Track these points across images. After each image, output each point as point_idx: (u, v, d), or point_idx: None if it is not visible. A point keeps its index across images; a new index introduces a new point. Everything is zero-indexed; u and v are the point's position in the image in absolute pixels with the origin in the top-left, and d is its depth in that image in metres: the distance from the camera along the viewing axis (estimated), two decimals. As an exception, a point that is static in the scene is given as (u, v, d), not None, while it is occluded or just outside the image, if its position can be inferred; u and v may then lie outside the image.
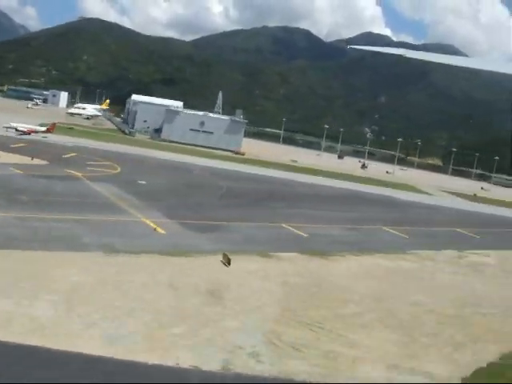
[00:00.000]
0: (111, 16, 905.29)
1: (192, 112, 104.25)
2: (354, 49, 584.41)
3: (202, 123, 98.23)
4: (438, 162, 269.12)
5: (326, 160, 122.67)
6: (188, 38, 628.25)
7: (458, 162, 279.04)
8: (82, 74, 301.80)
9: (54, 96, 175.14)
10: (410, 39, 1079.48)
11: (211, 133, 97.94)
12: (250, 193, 54.95)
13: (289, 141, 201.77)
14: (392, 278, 29.10)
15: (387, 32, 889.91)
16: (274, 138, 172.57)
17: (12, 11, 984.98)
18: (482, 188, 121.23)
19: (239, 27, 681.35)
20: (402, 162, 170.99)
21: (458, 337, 20.34)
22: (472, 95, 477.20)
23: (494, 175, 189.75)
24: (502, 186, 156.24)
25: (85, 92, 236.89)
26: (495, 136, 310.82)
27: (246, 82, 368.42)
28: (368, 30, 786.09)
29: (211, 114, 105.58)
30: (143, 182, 48.09)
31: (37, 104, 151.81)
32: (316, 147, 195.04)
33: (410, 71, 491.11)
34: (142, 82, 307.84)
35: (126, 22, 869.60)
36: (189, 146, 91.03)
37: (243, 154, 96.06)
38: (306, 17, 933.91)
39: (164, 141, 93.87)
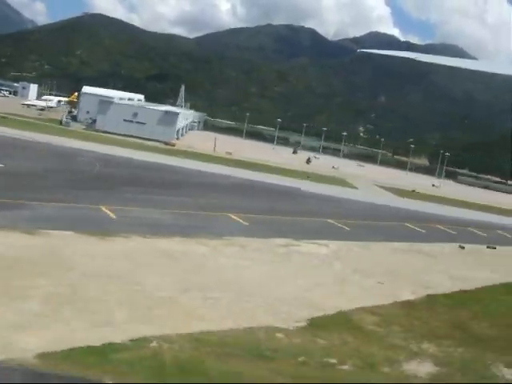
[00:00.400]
0: (120, 13, 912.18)
1: (125, 103, 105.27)
2: (359, 45, 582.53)
3: (136, 114, 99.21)
4: (425, 161, 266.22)
5: (276, 155, 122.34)
6: (194, 35, 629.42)
7: (447, 162, 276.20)
8: (75, 68, 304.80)
9: (23, 88, 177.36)
10: (416, 39, 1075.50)
11: (144, 124, 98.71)
12: (118, 178, 55.03)
13: (270, 138, 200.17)
14: (158, 260, 27.88)
15: (395, 32, 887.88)
16: (258, 136, 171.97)
17: (22, 6, 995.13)
18: (433, 185, 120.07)
19: (246, 25, 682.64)
20: (371, 159, 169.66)
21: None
22: (473, 96, 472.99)
23: (462, 173, 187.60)
24: (467, 184, 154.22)
25: (73, 86, 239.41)
26: (490, 136, 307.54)
27: (243, 79, 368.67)
28: (375, 29, 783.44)
29: (147, 106, 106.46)
30: (1, 165, 48.53)
31: (4, 95, 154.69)
32: (294, 144, 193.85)
33: (412, 71, 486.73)
34: (135, 78, 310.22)
35: (134, 19, 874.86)
36: (119, 137, 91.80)
37: (173, 145, 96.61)
38: (314, 16, 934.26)
39: (97, 131, 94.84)
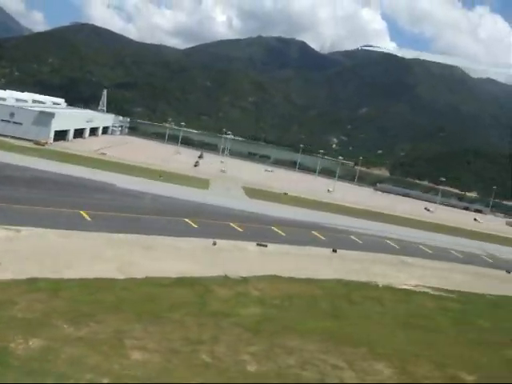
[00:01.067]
0: (116, 24, 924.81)
1: (2, 103, 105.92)
2: (350, 58, 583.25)
3: (12, 114, 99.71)
4: (385, 172, 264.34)
5: (172, 158, 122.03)
6: (189, 46, 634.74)
7: (408, 174, 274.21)
8: (44, 76, 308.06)
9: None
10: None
11: (20, 124, 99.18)
12: None
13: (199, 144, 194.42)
14: None
15: (391, 46, 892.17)
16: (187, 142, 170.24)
17: (19, 15, 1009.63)
18: (328, 190, 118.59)
19: (241, 37, 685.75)
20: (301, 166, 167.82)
21: None
22: (458, 108, 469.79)
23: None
24: (385, 192, 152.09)
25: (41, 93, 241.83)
26: (460, 148, 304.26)
27: (216, 88, 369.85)
28: (371, 43, 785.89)
29: (24, 107, 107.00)
30: None
31: None
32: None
33: (397, 83, 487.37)
34: (104, 85, 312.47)
35: (131, 30, 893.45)
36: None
37: (43, 145, 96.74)
38: (310, 29, 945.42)
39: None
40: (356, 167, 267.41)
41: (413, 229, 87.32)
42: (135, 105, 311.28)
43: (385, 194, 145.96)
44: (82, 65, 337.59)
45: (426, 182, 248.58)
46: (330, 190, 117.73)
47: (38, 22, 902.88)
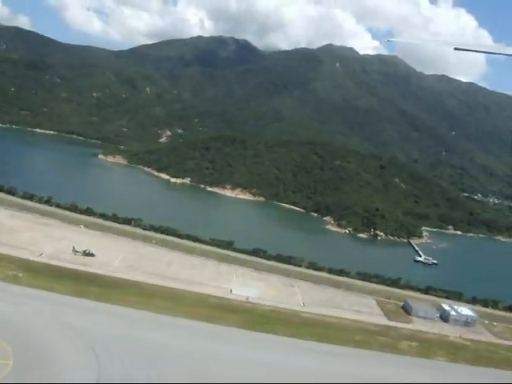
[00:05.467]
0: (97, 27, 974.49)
1: None
2: (283, 57, 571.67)
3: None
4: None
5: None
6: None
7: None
8: None
9: None
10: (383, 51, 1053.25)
11: None
12: None
13: None
14: None
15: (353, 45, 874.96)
16: None
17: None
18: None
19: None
20: None
21: None
22: (355, 104, 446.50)
23: None
24: None
25: None
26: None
27: (63, 84, 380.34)
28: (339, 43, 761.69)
29: None
30: None
31: None
32: None
33: (293, 79, 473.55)
34: None
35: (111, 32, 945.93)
36: None
37: None
38: (279, 29, 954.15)
39: None
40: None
41: None
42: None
43: None
44: None
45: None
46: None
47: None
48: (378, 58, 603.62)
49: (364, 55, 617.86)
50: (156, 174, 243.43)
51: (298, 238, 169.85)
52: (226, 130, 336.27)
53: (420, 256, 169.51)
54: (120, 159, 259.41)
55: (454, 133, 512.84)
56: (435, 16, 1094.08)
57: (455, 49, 24.23)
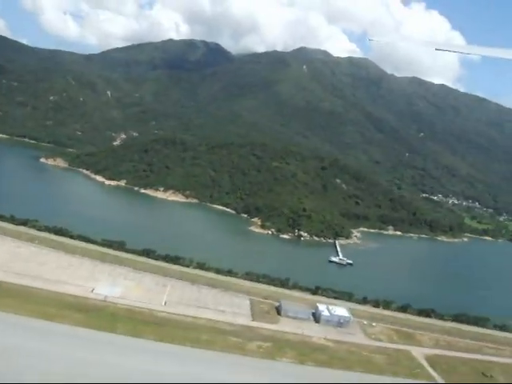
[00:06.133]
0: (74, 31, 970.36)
1: None
2: (250, 60, 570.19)
3: None
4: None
5: None
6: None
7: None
8: None
9: None
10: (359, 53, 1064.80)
11: None
12: None
13: None
14: None
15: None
16: None
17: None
18: None
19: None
20: None
21: None
22: (319, 106, 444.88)
23: None
24: None
25: None
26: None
27: (22, 88, 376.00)
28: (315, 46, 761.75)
29: None
30: None
31: None
32: None
33: (258, 81, 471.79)
34: None
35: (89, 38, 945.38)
36: None
37: None
38: (255, 31, 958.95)
39: None
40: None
41: None
42: None
43: None
44: None
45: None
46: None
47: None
48: (349, 61, 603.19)
49: (336, 58, 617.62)
50: (93, 176, 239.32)
51: (214, 239, 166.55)
52: (182, 132, 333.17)
53: (336, 256, 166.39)
54: (60, 162, 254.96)
55: (422, 134, 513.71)
56: (408, 18, 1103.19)
57: (436, 49, 25.05)
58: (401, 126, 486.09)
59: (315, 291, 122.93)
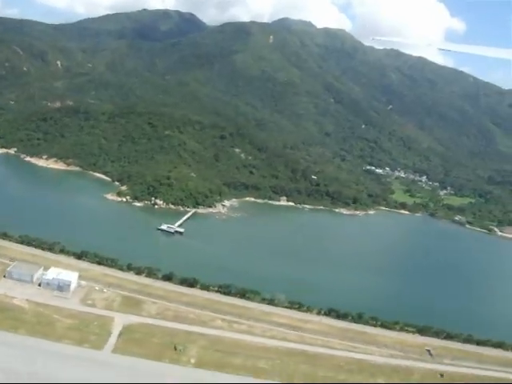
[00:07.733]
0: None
1: None
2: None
3: None
4: None
5: None
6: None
7: None
8: None
9: None
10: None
11: None
12: None
13: None
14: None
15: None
16: None
17: None
18: None
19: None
20: None
21: None
22: (274, 76, 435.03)
23: None
24: None
25: None
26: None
27: None
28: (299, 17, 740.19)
29: None
30: None
31: None
32: None
33: (217, 52, 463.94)
34: None
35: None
36: None
37: None
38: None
39: None
40: None
41: None
42: None
43: None
44: None
45: None
46: None
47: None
48: (325, 32, 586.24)
49: (313, 29, 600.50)
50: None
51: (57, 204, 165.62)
52: (120, 102, 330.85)
53: (166, 224, 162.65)
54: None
55: (390, 107, 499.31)
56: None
57: (439, 49, 23.64)
58: (366, 99, 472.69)
59: (80, 256, 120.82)
